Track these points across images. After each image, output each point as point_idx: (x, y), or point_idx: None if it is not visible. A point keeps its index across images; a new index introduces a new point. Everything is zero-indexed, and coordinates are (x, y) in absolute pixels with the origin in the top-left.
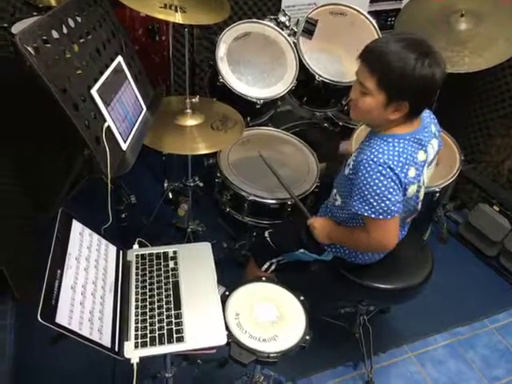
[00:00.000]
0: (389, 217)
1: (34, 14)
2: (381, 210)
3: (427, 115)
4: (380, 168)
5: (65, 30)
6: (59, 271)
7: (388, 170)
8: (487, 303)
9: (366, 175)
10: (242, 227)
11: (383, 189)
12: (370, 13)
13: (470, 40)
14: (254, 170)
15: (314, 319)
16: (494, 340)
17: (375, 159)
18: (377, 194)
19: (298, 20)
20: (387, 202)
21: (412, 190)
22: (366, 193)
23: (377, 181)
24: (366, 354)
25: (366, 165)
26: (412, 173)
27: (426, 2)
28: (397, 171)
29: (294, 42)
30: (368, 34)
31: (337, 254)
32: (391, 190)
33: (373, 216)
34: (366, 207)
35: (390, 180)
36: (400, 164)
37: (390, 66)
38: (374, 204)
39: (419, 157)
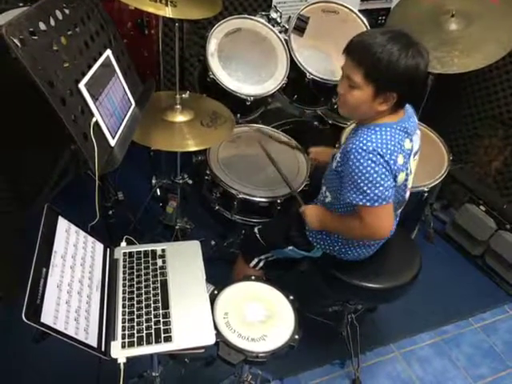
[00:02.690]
0: (384, 203)
1: (21, 5)
2: (375, 197)
3: (409, 107)
4: (370, 155)
5: (52, 22)
6: (44, 269)
7: (378, 156)
8: (472, 302)
9: (357, 163)
10: (231, 225)
11: (375, 175)
12: (360, 11)
13: (460, 41)
14: (244, 168)
15: (301, 317)
16: (479, 339)
17: (364, 147)
18: (370, 182)
19: (290, 17)
20: (381, 188)
21: (401, 177)
22: (359, 181)
23: (368, 168)
24: (353, 353)
25: (356, 153)
26: (400, 160)
27: (416, 2)
28: (386, 158)
29: (285, 39)
30: (359, 32)
31: (326, 250)
32: (383, 176)
33: (368, 204)
34: (361, 196)
35: (381, 166)
36: (389, 151)
37: (375, 58)
38: (368, 192)
39: (406, 145)
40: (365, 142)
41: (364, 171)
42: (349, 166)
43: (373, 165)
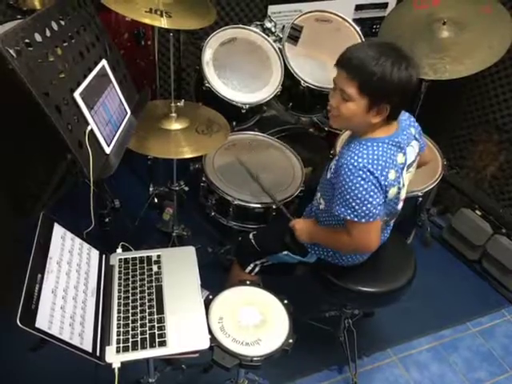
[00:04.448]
0: (371, 220)
1: (18, 17)
2: (363, 214)
3: (405, 118)
4: (360, 172)
5: (48, 34)
6: (40, 275)
7: (368, 173)
8: (470, 307)
9: (347, 179)
10: (227, 231)
11: (364, 193)
12: (354, 20)
13: (452, 48)
14: (239, 175)
15: (298, 323)
16: (477, 343)
17: (355, 163)
18: (358, 198)
19: (284, 26)
20: (369, 206)
21: (393, 192)
22: (348, 197)
23: (357, 185)
24: (351, 358)
25: (347, 169)
26: (392, 175)
27: (409, 10)
28: (377, 174)
29: (279, 48)
30: (353, 41)
31: (320, 255)
32: (372, 193)
33: (355, 220)
34: (349, 211)
35: (370, 184)
36: (379, 167)
37: (369, 72)
38: (356, 208)
39: (398, 159)
40: (356, 157)
41: (353, 187)
42: (339, 181)
43: (362, 182)
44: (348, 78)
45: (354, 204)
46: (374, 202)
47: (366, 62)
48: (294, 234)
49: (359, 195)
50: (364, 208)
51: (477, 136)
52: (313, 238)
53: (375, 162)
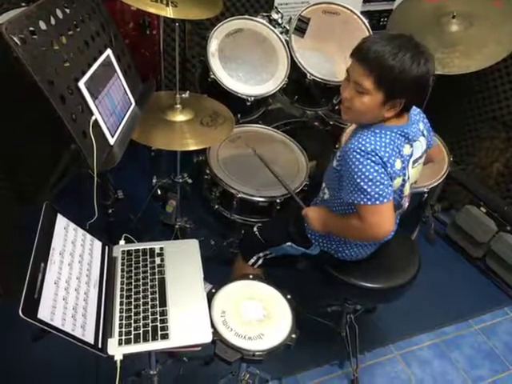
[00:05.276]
0: (385, 200)
1: (23, 4)
2: (376, 195)
3: (416, 113)
4: (369, 155)
5: (53, 22)
6: (42, 266)
7: (377, 157)
8: (473, 304)
9: (357, 163)
10: (230, 224)
11: (375, 174)
12: (362, 13)
13: (461, 42)
14: (244, 168)
15: (300, 317)
16: (479, 340)
17: (363, 148)
18: (370, 180)
19: (291, 18)
20: (381, 187)
21: (397, 182)
22: (359, 180)
23: (368, 167)
24: (352, 353)
25: (355, 153)
26: (398, 165)
27: (418, 3)
28: (384, 160)
29: (286, 40)
30: (360, 33)
31: (323, 248)
32: (382, 175)
33: (369, 203)
34: (362, 195)
35: (380, 166)
36: (387, 154)
37: (387, 66)
38: (369, 190)
39: (405, 150)
40: (364, 143)
41: (364, 170)
42: (348, 167)
43: (372, 164)
44: (365, 71)
45: (366, 187)
46: (386, 183)
47: (385, 56)
48: (298, 224)
49: (370, 176)
50: (377, 189)
51: (484, 132)
52: (326, 225)
53: (383, 148)
